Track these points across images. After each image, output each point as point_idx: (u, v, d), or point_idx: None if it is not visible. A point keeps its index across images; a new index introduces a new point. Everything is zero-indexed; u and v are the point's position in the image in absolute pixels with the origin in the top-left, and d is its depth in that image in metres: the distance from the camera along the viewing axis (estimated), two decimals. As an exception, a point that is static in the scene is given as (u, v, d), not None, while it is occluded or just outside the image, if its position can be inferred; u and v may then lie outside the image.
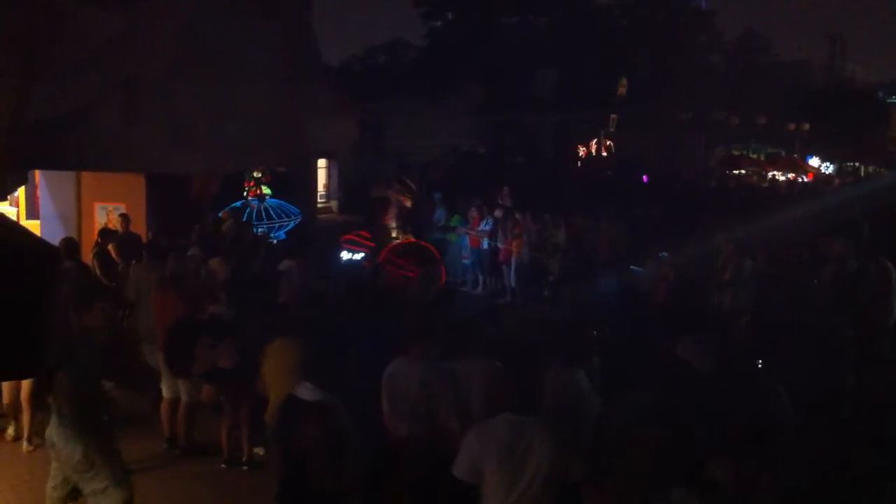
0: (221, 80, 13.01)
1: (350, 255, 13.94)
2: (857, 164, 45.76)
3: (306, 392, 5.20)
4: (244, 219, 14.42)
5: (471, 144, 29.38)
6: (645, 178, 31.28)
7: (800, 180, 36.24)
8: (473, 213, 16.91)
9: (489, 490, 4.57)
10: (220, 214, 14.12)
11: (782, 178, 37.02)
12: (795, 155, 39.78)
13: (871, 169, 43.56)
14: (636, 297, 11.31)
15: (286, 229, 16.08)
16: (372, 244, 14.06)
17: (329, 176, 26.14)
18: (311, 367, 5.33)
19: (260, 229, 14.96)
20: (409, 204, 15.94)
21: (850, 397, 7.98)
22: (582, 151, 35.57)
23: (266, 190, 16.88)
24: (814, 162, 41.42)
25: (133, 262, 10.32)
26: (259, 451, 7.98)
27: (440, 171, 25.98)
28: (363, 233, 14.49)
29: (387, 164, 24.99)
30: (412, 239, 14.60)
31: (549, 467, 4.47)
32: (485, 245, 16.45)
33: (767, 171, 38.83)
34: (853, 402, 7.84)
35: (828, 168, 42.00)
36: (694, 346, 5.91)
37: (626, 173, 30.64)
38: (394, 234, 14.51)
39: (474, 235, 16.58)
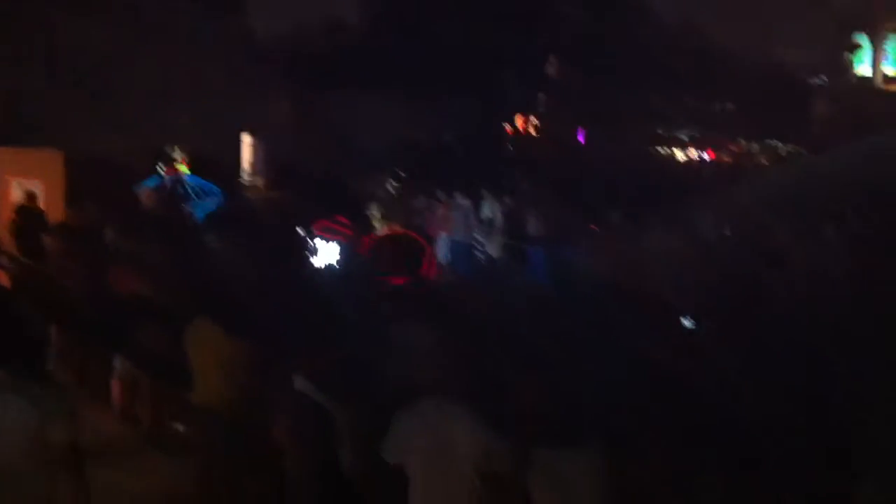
0: (148, 55, 12.67)
1: (325, 242, 12.25)
2: (778, 143, 46.82)
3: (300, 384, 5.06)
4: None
5: (409, 126, 29.00)
6: (581, 136, 31.61)
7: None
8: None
9: (413, 476, 4.48)
10: (136, 191, 13.57)
11: (685, 157, 37.61)
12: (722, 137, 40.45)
13: (790, 148, 44.66)
14: (573, 276, 11.31)
15: (207, 210, 15.34)
16: (350, 231, 12.49)
17: (255, 152, 25.69)
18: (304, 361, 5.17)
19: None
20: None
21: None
22: (509, 130, 35.62)
23: (182, 168, 16.12)
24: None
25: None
26: (178, 427, 7.81)
27: (381, 152, 25.64)
28: (340, 218, 12.74)
29: (322, 141, 24.60)
30: (399, 229, 13.01)
31: (471, 456, 4.38)
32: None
33: (691, 150, 39.43)
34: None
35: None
36: (651, 326, 5.86)
37: (558, 152, 30.76)
38: (376, 223, 13.04)
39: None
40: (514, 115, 35.84)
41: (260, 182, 25.51)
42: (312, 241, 12.28)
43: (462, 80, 32.91)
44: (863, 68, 38.73)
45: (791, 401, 5.44)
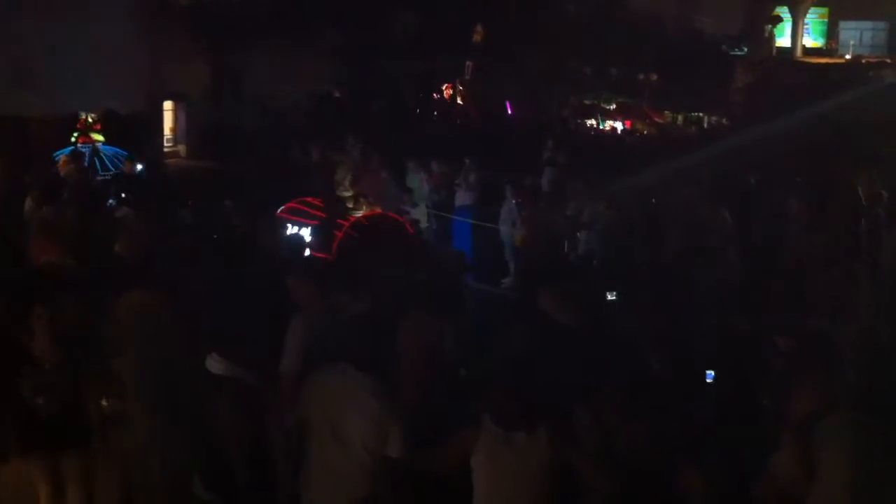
0: (62, 17, 12.25)
1: (296, 227, 11.16)
2: (700, 114, 47.51)
3: (213, 364, 4.83)
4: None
5: (327, 89, 28.56)
6: (509, 108, 31.68)
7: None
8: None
9: (312, 447, 4.30)
10: (56, 158, 13.14)
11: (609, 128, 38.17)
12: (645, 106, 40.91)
13: (713, 119, 45.42)
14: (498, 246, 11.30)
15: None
16: (323, 214, 11.37)
17: (176, 119, 25.08)
18: (222, 339, 4.93)
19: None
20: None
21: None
22: (436, 98, 35.42)
23: (97, 136, 15.49)
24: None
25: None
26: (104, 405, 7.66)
27: (300, 117, 25.24)
28: (311, 200, 11.76)
29: (245, 109, 24.11)
30: (378, 210, 12.11)
31: (364, 433, 4.12)
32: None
33: (615, 121, 39.81)
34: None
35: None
36: (555, 298, 5.77)
37: (486, 121, 30.75)
38: (350, 205, 12.30)
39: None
40: (441, 84, 35.66)
41: (182, 150, 24.97)
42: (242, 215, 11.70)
43: (388, 46, 32.60)
44: (783, 41, 39.47)
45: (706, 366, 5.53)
